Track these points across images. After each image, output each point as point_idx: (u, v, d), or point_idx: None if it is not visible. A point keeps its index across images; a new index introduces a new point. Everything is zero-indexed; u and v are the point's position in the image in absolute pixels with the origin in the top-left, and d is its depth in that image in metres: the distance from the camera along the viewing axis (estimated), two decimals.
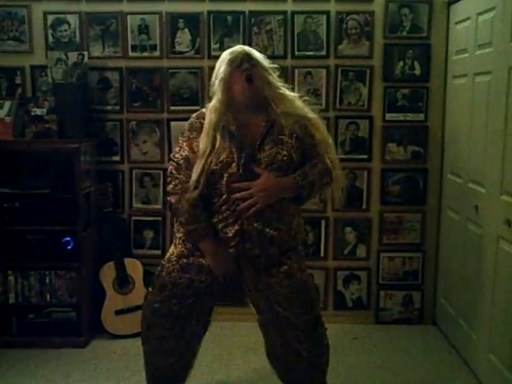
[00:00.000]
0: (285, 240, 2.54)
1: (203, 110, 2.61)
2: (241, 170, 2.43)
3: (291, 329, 2.62)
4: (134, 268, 3.86)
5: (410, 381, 3.29)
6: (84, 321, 3.70)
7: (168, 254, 2.71)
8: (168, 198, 2.59)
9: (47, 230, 3.63)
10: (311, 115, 2.56)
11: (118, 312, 3.78)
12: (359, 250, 4.02)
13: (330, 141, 2.64)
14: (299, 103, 2.56)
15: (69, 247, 3.65)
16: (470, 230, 3.38)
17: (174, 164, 2.55)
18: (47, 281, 3.67)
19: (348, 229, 4.01)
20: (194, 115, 2.64)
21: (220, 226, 2.49)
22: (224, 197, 2.45)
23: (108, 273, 3.81)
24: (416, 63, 3.85)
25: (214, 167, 2.42)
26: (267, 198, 2.44)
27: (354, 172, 3.95)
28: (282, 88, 2.52)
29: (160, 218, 4.03)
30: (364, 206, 3.98)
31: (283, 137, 2.47)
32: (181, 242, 2.64)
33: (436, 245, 3.99)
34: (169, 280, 2.63)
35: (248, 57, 2.45)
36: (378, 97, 3.89)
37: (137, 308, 3.79)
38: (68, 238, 3.64)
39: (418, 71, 3.86)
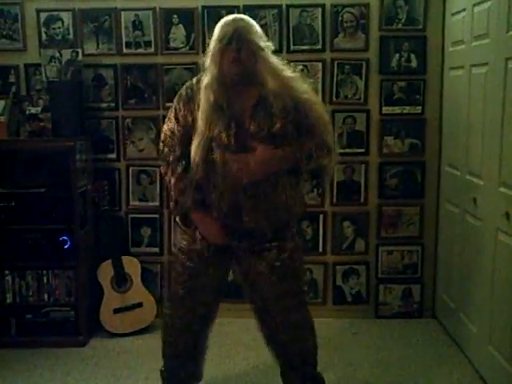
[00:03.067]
0: (280, 215, 2.54)
1: (193, 80, 2.60)
2: (232, 141, 2.42)
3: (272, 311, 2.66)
4: (132, 266, 3.85)
5: (410, 374, 3.29)
6: (82, 320, 3.68)
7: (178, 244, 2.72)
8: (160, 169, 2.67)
9: (44, 229, 3.62)
10: (306, 96, 2.49)
11: (116, 310, 3.77)
12: (358, 245, 4.01)
13: (327, 119, 2.57)
14: (296, 83, 2.49)
15: (66, 246, 3.63)
16: (469, 222, 3.36)
17: (162, 136, 2.66)
18: (45, 280, 3.66)
19: (346, 223, 3.99)
20: (183, 86, 2.64)
21: (215, 200, 2.49)
22: (219, 171, 2.44)
23: (106, 271, 3.79)
24: (412, 55, 3.83)
25: (209, 143, 2.43)
26: (264, 171, 2.43)
27: (351, 166, 3.93)
28: (277, 66, 2.46)
29: (157, 216, 4.01)
30: (362, 200, 3.97)
31: (275, 111, 2.44)
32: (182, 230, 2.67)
33: (435, 238, 3.98)
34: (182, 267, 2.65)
35: (238, 35, 2.37)
36: (375, 90, 3.87)
37: (135, 306, 3.79)
38: (65, 237, 3.63)
39: (414, 63, 3.84)
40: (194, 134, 2.48)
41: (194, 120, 2.50)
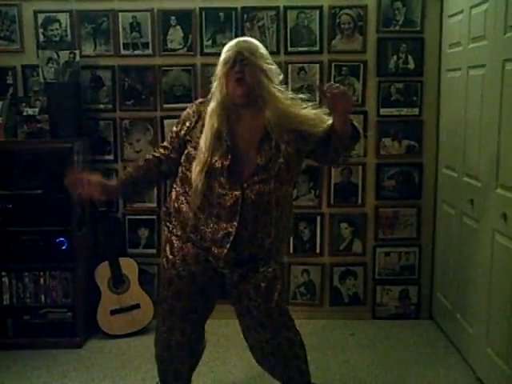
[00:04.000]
0: (273, 245, 2.53)
1: (197, 101, 2.62)
2: (225, 171, 2.40)
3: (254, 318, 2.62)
4: (129, 267, 3.84)
5: (407, 376, 3.29)
6: (79, 321, 3.68)
7: (167, 249, 2.64)
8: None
9: (41, 231, 3.62)
10: (301, 119, 2.45)
11: (113, 312, 3.77)
12: (355, 246, 4.01)
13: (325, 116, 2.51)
14: (295, 109, 2.46)
15: (63, 247, 3.63)
16: (466, 224, 3.37)
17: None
18: (42, 282, 3.65)
19: (343, 224, 4.00)
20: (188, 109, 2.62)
21: (210, 224, 2.45)
22: (216, 196, 2.41)
23: (103, 272, 3.79)
24: (409, 57, 3.84)
25: (208, 168, 2.41)
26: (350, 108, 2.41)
27: (349, 167, 3.93)
28: (274, 89, 2.44)
29: (154, 217, 4.01)
30: (359, 202, 3.97)
31: (279, 145, 2.42)
32: (172, 233, 2.61)
33: (432, 239, 3.98)
34: (174, 273, 2.59)
35: (241, 56, 2.39)
36: (372, 92, 3.88)
37: (132, 307, 3.79)
38: (62, 239, 3.63)
39: (411, 65, 3.85)
40: (188, 154, 2.49)
41: (189, 137, 2.52)
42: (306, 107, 2.49)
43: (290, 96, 2.49)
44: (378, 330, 3.89)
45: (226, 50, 2.45)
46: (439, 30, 3.80)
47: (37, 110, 3.69)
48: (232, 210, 2.41)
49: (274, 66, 2.48)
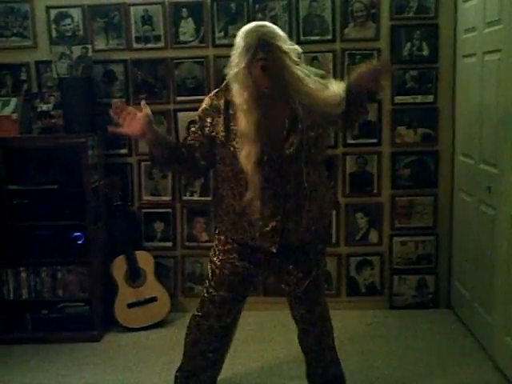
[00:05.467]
0: (318, 228, 2.55)
1: (210, 95, 2.50)
2: (267, 168, 2.36)
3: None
4: (146, 260, 3.86)
5: (426, 365, 3.26)
6: (97, 315, 3.70)
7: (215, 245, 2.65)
8: None
9: (57, 226, 3.65)
10: (325, 102, 2.36)
11: (130, 305, 3.78)
12: (371, 235, 3.99)
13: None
14: (316, 90, 2.36)
15: (79, 242, 3.66)
16: (483, 211, 3.32)
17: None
18: (59, 276, 3.68)
19: (359, 214, 3.97)
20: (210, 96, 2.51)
21: (256, 222, 2.43)
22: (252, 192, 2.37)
23: (119, 266, 3.81)
24: (424, 44, 3.79)
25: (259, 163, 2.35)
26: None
27: (363, 157, 3.90)
28: (300, 72, 2.33)
29: (170, 210, 4.01)
30: (375, 191, 3.94)
31: (307, 130, 2.38)
32: (220, 233, 2.62)
33: (449, 228, 3.94)
34: (218, 265, 2.59)
35: (264, 42, 2.26)
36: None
37: (149, 300, 3.80)
38: (78, 233, 3.65)
39: (426, 52, 3.80)
40: (223, 152, 2.43)
41: (215, 133, 2.43)
42: (327, 85, 2.40)
43: (314, 75, 2.40)
44: (395, 319, 3.86)
45: (245, 36, 2.30)
46: (453, 16, 3.74)
47: (51, 105, 3.71)
48: (275, 203, 2.40)
49: (294, 47, 2.36)
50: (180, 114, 3.91)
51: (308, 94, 2.32)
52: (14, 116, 3.68)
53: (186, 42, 3.87)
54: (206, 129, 2.45)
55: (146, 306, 3.79)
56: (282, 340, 3.55)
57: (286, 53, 2.29)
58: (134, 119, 2.40)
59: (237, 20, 3.81)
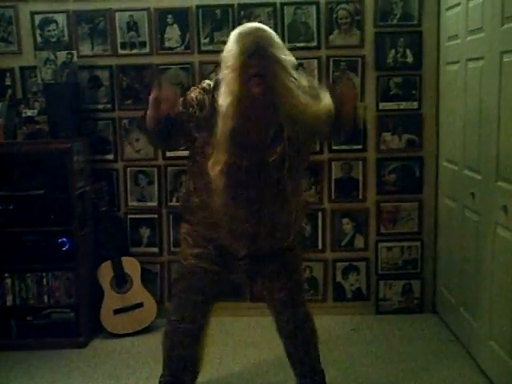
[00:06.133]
0: (291, 237, 2.57)
1: (200, 88, 2.46)
2: (243, 173, 2.36)
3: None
4: (132, 266, 3.85)
5: (412, 370, 3.28)
6: (83, 321, 3.68)
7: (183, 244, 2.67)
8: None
9: (43, 231, 3.62)
10: (314, 115, 2.36)
11: (116, 311, 3.77)
12: (357, 241, 4.01)
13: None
14: (306, 101, 2.34)
15: (65, 248, 3.64)
16: (468, 217, 3.36)
17: None
18: (44, 282, 3.66)
19: (345, 220, 3.99)
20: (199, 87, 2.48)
21: (228, 222, 2.43)
22: (234, 194, 2.38)
23: (105, 272, 3.80)
24: (408, 51, 3.83)
25: (227, 169, 2.34)
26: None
27: (349, 163, 3.92)
28: (292, 84, 2.29)
29: (156, 216, 4.01)
30: (360, 197, 3.96)
31: (291, 140, 2.38)
32: (189, 228, 2.62)
33: (434, 233, 3.97)
34: (188, 268, 2.62)
35: (260, 49, 2.20)
36: (371, 86, 3.86)
37: (135, 306, 3.80)
38: (64, 239, 3.63)
39: (410, 59, 3.84)
40: (201, 147, 2.42)
41: (192, 124, 2.42)
42: (319, 97, 2.40)
43: (307, 85, 2.40)
44: (381, 324, 3.88)
45: (241, 38, 2.24)
46: (437, 23, 3.78)
47: (36, 111, 3.69)
48: (250, 208, 2.40)
49: (289, 57, 2.32)
50: None
51: (296, 106, 2.30)
52: None
53: (171, 49, 3.88)
54: (185, 115, 2.42)
55: (132, 312, 3.78)
56: (267, 345, 3.56)
57: (280, 62, 2.25)
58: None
59: (222, 27, 3.82)
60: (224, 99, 2.26)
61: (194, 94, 2.45)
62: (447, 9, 3.62)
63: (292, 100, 2.29)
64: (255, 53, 2.21)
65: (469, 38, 3.28)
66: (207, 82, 2.49)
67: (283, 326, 2.74)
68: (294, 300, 2.68)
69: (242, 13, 3.79)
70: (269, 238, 2.48)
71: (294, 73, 2.32)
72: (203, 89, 2.45)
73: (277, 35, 2.34)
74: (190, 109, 2.42)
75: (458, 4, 3.40)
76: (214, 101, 2.36)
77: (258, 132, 2.38)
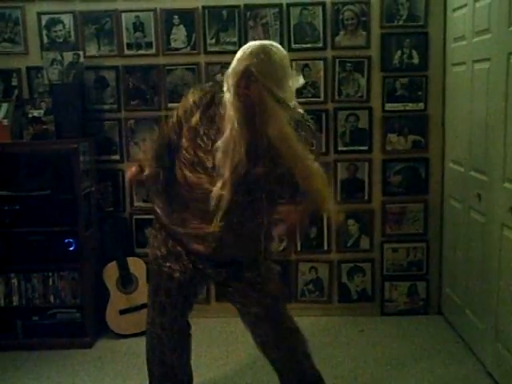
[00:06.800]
0: (258, 252, 2.53)
1: (209, 93, 2.41)
2: (214, 173, 2.32)
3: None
4: (137, 267, 3.85)
5: (417, 371, 3.28)
6: (88, 321, 3.69)
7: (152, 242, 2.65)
8: None
9: (48, 232, 3.63)
10: (290, 158, 2.30)
11: (122, 311, 3.77)
12: (362, 242, 4.00)
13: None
14: (290, 142, 2.27)
15: (71, 248, 3.64)
16: (474, 218, 3.35)
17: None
18: (50, 282, 3.67)
19: (351, 221, 3.98)
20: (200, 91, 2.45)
21: (194, 221, 2.42)
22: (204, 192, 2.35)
23: (111, 272, 3.80)
24: (414, 52, 3.83)
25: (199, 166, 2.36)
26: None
27: (354, 164, 3.92)
28: (274, 109, 2.23)
29: None
30: (366, 198, 3.96)
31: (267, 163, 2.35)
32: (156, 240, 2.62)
33: (440, 234, 3.97)
34: (155, 268, 2.59)
35: (250, 73, 2.20)
36: (377, 87, 3.86)
37: (141, 307, 3.78)
38: (70, 239, 3.64)
39: (416, 60, 3.83)
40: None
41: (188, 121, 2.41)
42: (303, 143, 2.32)
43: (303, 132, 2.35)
44: (386, 326, 3.88)
45: (238, 58, 2.26)
46: (443, 24, 3.78)
47: (42, 111, 3.70)
48: (217, 210, 2.33)
49: (284, 88, 2.23)
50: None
51: (277, 138, 2.25)
52: (5, 122, 3.67)
53: (177, 49, 3.88)
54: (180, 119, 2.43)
55: (138, 313, 3.77)
56: (247, 345, 3.55)
57: (269, 90, 2.21)
58: None
59: (228, 27, 3.82)
60: (227, 109, 2.29)
61: (191, 98, 2.42)
62: (454, 10, 3.61)
63: (274, 133, 2.25)
64: (244, 76, 2.22)
65: (475, 39, 3.27)
66: (203, 89, 2.46)
67: (261, 339, 2.67)
68: (271, 315, 2.61)
69: (248, 14, 3.80)
70: (233, 247, 2.45)
71: (286, 103, 2.25)
72: (202, 90, 2.43)
73: (281, 58, 2.27)
74: (188, 112, 2.40)
75: (465, 5, 3.40)
76: (212, 101, 2.37)
77: (249, 145, 2.31)
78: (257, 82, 2.21)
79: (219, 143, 2.28)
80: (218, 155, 2.29)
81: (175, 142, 2.45)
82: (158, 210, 2.58)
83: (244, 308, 2.64)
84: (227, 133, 2.27)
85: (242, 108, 2.26)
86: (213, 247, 2.42)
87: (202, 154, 2.35)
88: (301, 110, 2.37)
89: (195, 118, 2.37)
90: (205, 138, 2.35)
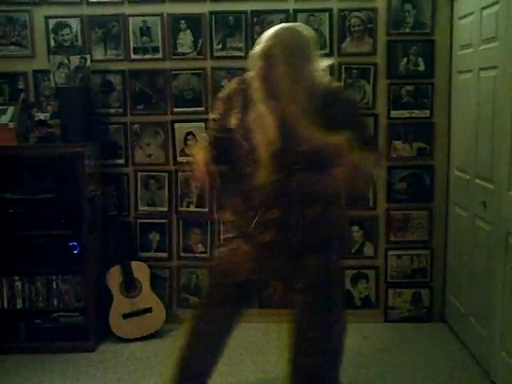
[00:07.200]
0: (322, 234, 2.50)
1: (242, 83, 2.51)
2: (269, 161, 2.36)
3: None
4: (141, 271, 3.85)
5: (421, 379, 3.27)
6: (91, 325, 3.68)
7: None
8: None
9: (52, 235, 3.64)
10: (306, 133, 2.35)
11: (125, 316, 3.77)
12: (366, 249, 4.00)
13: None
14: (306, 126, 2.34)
15: (75, 251, 3.65)
16: (479, 226, 3.34)
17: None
18: (54, 286, 3.67)
19: (355, 227, 3.98)
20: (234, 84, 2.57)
21: (254, 211, 2.43)
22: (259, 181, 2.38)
23: (115, 276, 3.80)
24: (420, 59, 3.83)
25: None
26: None
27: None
28: (296, 84, 2.32)
29: (166, 221, 4.01)
30: (370, 204, 3.96)
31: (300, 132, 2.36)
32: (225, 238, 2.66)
33: (444, 242, 3.96)
34: (220, 264, 2.62)
35: (270, 54, 2.31)
36: (383, 94, 3.87)
37: (144, 311, 3.79)
38: (74, 243, 3.64)
39: (422, 67, 3.84)
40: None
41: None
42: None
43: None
44: (390, 333, 3.87)
45: (261, 41, 2.36)
46: (450, 32, 3.79)
47: (48, 114, 3.71)
48: (276, 195, 2.38)
49: (307, 69, 2.34)
50: (177, 126, 3.93)
51: (294, 115, 2.30)
52: (11, 125, 3.68)
53: (183, 54, 3.89)
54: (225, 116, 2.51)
55: (141, 317, 3.78)
56: (276, 352, 3.55)
57: (288, 67, 2.30)
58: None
59: (235, 33, 3.83)
60: (254, 93, 2.37)
61: (228, 89, 2.55)
62: (460, 18, 3.62)
63: (293, 108, 2.30)
64: (264, 57, 2.33)
65: (482, 47, 3.27)
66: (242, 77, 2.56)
67: (301, 332, 2.52)
68: (319, 306, 2.50)
69: (255, 19, 3.81)
70: (296, 229, 2.41)
71: (308, 80, 2.33)
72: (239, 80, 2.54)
73: (304, 38, 2.36)
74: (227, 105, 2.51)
75: (472, 13, 3.40)
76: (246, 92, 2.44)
77: (268, 121, 2.37)
78: (279, 64, 2.30)
79: (251, 126, 2.36)
80: (252, 138, 2.36)
81: (224, 135, 2.51)
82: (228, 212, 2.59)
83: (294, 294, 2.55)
84: (256, 114, 2.35)
85: (267, 89, 2.33)
86: (273, 233, 2.42)
87: (245, 142, 2.40)
88: (336, 84, 2.48)
89: (234, 108, 2.47)
90: (243, 126, 2.42)
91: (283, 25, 2.47)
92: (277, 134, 2.32)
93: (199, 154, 2.59)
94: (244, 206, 2.48)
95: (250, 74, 2.41)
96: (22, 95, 3.92)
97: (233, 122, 2.46)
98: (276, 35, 2.36)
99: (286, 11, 3.80)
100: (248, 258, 2.51)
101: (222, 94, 2.58)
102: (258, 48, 2.38)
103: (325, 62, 2.41)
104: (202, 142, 2.70)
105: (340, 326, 2.57)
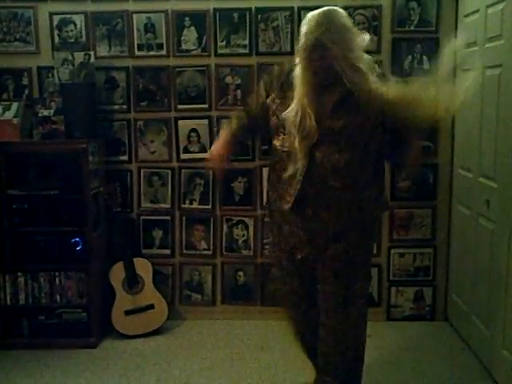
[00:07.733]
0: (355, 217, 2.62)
1: (285, 72, 2.60)
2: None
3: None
4: (144, 268, 3.85)
5: (423, 378, 3.27)
6: (94, 321, 3.69)
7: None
8: None
9: (56, 231, 3.64)
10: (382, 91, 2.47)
11: (128, 312, 3.77)
12: None
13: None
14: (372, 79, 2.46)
15: (78, 248, 3.65)
16: (482, 225, 3.34)
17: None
18: (57, 282, 3.67)
19: None
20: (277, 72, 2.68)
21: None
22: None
23: (117, 273, 3.80)
24: (425, 57, 3.82)
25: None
26: None
27: None
28: (358, 62, 2.41)
29: (169, 218, 4.01)
30: None
31: (358, 109, 2.44)
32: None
33: (447, 240, 3.95)
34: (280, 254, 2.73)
35: (320, 43, 2.34)
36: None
37: (147, 308, 3.79)
38: (77, 239, 3.64)
39: (426, 66, 3.83)
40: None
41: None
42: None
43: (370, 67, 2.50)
44: (392, 331, 3.87)
45: (306, 32, 2.37)
46: (454, 30, 3.77)
47: (52, 111, 3.71)
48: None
49: (355, 49, 2.42)
50: (181, 122, 3.93)
51: (363, 79, 2.41)
52: (15, 121, 3.69)
53: (188, 51, 3.89)
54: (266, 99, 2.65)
55: (144, 314, 3.78)
56: (278, 349, 3.56)
57: (342, 52, 2.36)
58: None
59: (239, 30, 3.83)
60: (297, 84, 2.46)
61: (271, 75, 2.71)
62: (465, 16, 3.61)
63: (355, 81, 2.40)
64: (315, 48, 2.36)
65: (487, 45, 3.26)
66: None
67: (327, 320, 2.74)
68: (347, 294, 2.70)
69: (260, 16, 3.80)
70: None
71: (359, 55, 2.44)
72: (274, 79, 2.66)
73: (342, 18, 2.42)
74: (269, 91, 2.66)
75: (477, 11, 3.39)
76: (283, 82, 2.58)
77: (322, 103, 2.46)
78: (330, 51, 2.35)
79: (288, 114, 2.46)
80: (289, 126, 2.47)
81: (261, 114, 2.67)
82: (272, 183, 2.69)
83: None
84: (296, 104, 2.44)
85: (314, 79, 2.41)
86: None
87: (282, 130, 2.52)
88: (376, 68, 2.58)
89: (273, 95, 2.61)
90: (278, 113, 2.54)
91: (320, 11, 2.42)
92: (314, 127, 2.41)
93: (218, 150, 2.73)
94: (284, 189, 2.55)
95: (296, 63, 2.46)
96: (26, 91, 3.92)
97: (272, 107, 2.59)
98: (318, 23, 2.36)
99: (291, 8, 3.79)
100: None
101: (265, 79, 2.77)
102: (304, 39, 2.38)
103: (366, 38, 2.50)
104: (224, 133, 2.78)
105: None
